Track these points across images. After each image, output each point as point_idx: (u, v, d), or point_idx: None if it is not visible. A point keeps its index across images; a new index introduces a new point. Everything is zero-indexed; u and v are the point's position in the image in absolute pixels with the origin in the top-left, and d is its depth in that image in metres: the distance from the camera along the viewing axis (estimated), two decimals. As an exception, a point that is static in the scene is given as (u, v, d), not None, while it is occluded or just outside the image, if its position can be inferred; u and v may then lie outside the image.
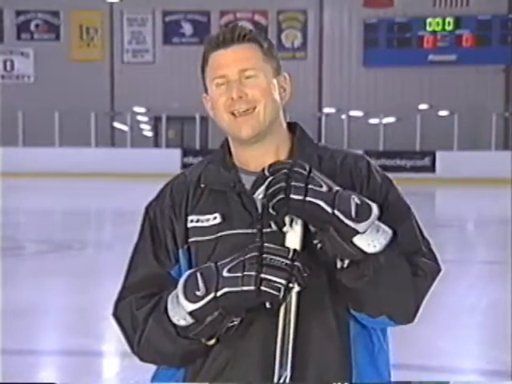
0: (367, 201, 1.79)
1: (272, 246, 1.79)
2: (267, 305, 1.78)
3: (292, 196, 1.76)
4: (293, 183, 1.77)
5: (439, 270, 1.92)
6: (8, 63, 32.01)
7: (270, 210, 1.78)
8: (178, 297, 1.80)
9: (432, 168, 27.52)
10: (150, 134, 32.40)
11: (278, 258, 1.76)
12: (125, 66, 31.95)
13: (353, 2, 30.58)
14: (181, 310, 1.80)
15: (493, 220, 15.62)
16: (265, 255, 1.77)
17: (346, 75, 31.07)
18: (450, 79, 29.66)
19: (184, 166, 26.47)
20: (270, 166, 1.80)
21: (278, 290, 1.75)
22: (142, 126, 32.44)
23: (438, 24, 30.38)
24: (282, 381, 1.82)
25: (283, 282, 1.74)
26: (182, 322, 1.81)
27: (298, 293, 1.82)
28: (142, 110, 31.56)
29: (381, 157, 26.39)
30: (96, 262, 11.25)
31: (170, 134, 30.88)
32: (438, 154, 27.51)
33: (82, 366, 5.99)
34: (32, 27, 31.99)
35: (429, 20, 30.34)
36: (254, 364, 1.87)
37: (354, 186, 1.92)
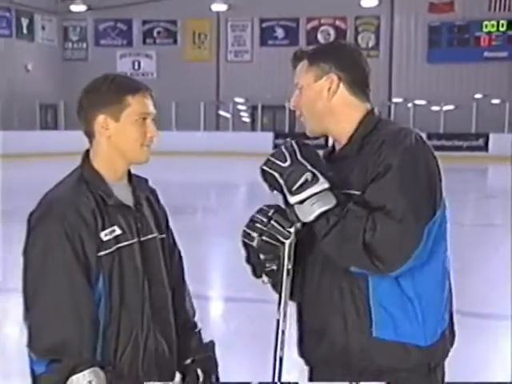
0: (321, 178, 1.73)
1: (264, 208, 1.87)
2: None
3: (261, 165, 1.82)
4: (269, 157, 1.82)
5: (398, 229, 1.68)
6: (136, 63, 32.61)
7: None
8: None
9: (485, 148, 26.68)
10: (247, 120, 32.48)
11: (259, 216, 1.86)
12: (228, 65, 32.04)
13: (419, 9, 29.77)
14: None
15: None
16: (256, 214, 1.88)
17: (413, 70, 30.36)
18: (502, 72, 28.65)
19: (275, 146, 26.20)
20: None
21: (251, 239, 1.86)
22: (242, 113, 32.54)
23: (492, 26, 29.31)
24: (280, 328, 1.87)
25: (253, 234, 1.85)
26: None
27: (295, 248, 1.85)
28: (242, 100, 31.65)
29: (441, 138, 25.68)
30: (205, 224, 11.40)
31: (264, 120, 30.87)
32: (491, 136, 26.62)
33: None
34: (155, 34, 32.41)
35: (485, 22, 29.30)
36: None
37: (369, 162, 1.80)
